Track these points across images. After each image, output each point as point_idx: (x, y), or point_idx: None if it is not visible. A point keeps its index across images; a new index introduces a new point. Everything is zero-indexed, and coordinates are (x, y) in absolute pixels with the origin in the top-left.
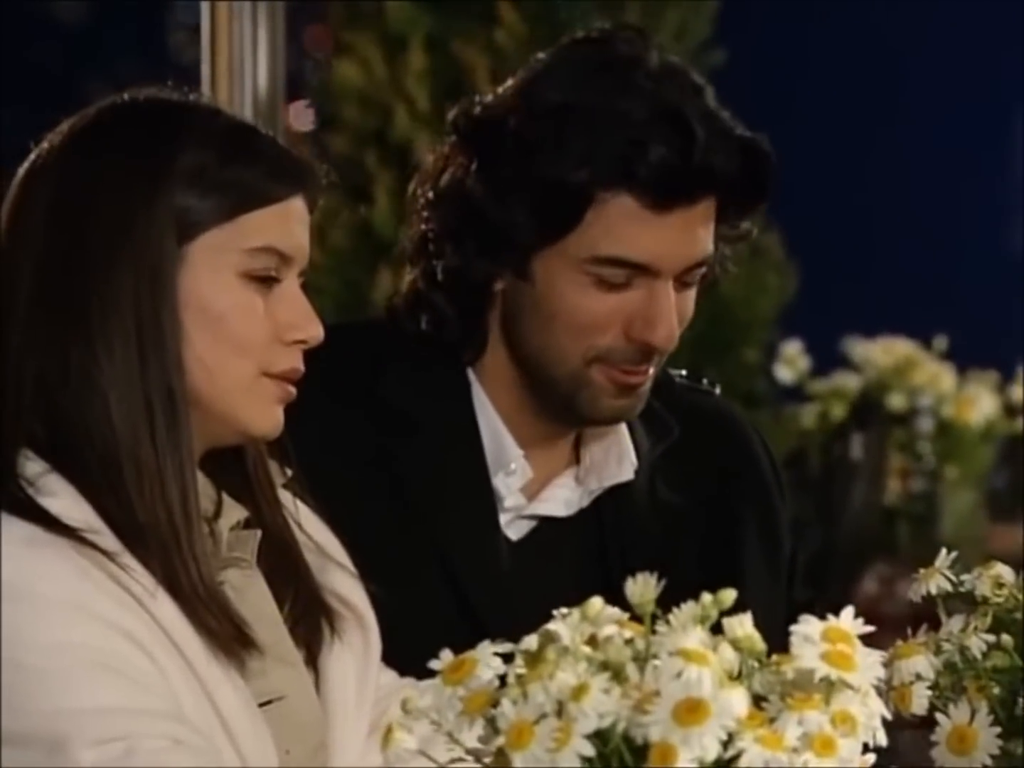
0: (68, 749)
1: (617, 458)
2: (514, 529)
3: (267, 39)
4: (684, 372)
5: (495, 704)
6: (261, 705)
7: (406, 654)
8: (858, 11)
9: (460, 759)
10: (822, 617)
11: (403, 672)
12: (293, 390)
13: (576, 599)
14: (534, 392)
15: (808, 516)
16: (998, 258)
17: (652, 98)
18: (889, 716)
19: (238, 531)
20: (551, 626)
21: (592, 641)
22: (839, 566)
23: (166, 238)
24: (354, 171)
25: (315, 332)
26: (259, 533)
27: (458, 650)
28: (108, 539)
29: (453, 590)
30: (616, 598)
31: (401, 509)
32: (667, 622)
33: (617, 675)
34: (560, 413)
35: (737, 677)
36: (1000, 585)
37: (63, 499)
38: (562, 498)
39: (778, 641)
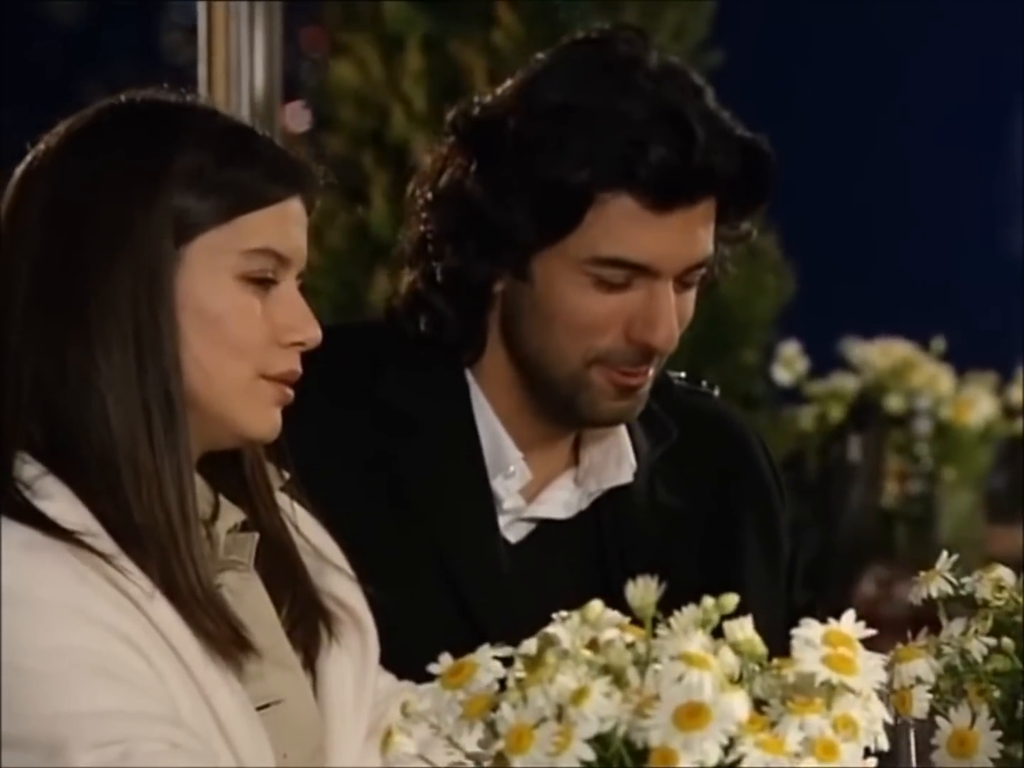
0: (66, 752)
1: (616, 460)
2: (513, 531)
3: (264, 40)
4: (683, 374)
5: (495, 708)
6: (259, 709)
7: (404, 657)
8: (856, 11)
9: (460, 763)
10: (822, 620)
11: (401, 675)
12: (291, 392)
13: (575, 601)
14: (533, 393)
15: (806, 518)
16: (996, 259)
17: (652, 98)
18: (891, 720)
19: (235, 534)
20: (551, 629)
21: (593, 645)
22: (837, 568)
23: (164, 239)
24: (351, 172)
25: (313, 334)
26: (256, 536)
27: (457, 653)
28: (105, 542)
29: (452, 592)
30: (615, 601)
31: (399, 511)
32: (668, 625)
33: (618, 679)
34: (559, 415)
35: (738, 681)
36: (1001, 588)
37: (60, 502)
38: (561, 500)
39: (777, 644)
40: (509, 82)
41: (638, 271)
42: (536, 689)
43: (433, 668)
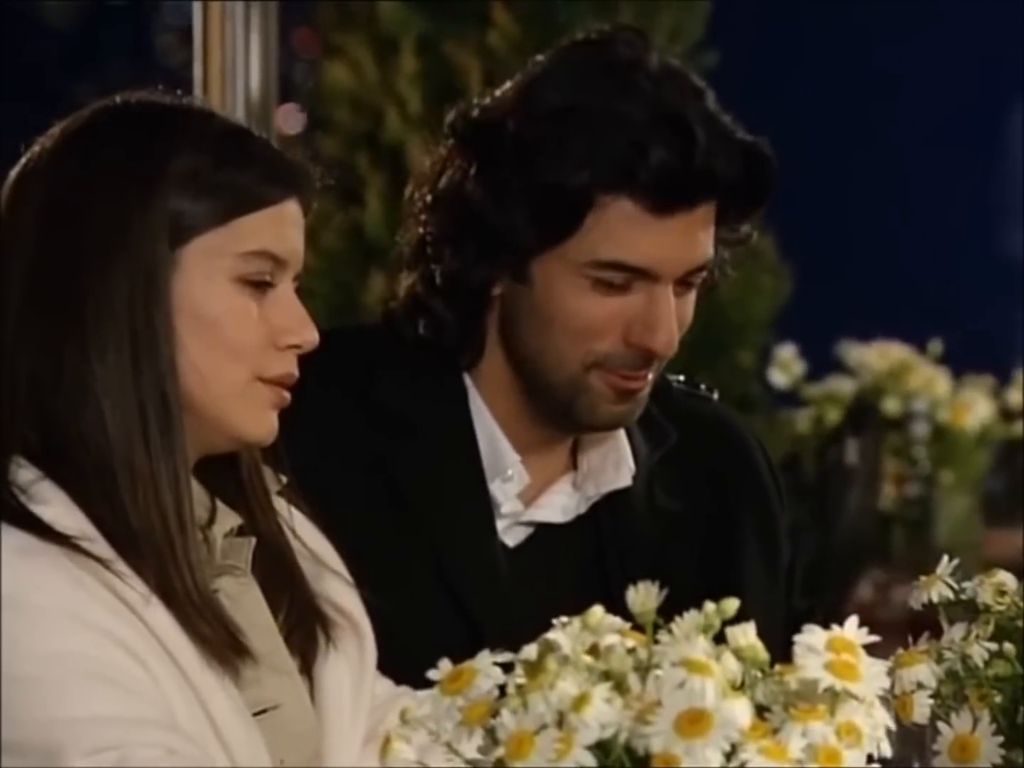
0: (63, 758)
1: (615, 464)
2: (511, 535)
3: (259, 41)
4: (682, 377)
5: (495, 714)
6: (255, 714)
7: (402, 661)
8: (852, 12)
9: None
10: (823, 626)
11: (399, 680)
12: (287, 395)
13: (573, 606)
14: (532, 397)
15: (803, 521)
16: (994, 262)
17: (653, 101)
18: (894, 726)
19: (232, 538)
20: (551, 635)
21: (593, 650)
22: (834, 571)
23: (160, 242)
24: (345, 174)
25: (310, 337)
26: (253, 540)
27: (454, 657)
28: (101, 546)
29: (449, 596)
30: (614, 605)
31: (397, 514)
32: (669, 631)
33: (619, 685)
34: (558, 419)
35: (740, 687)
36: (1002, 593)
37: (56, 506)
38: (559, 504)
39: (776, 648)
40: (508, 84)
41: (638, 274)
42: (537, 695)
43: (432, 674)
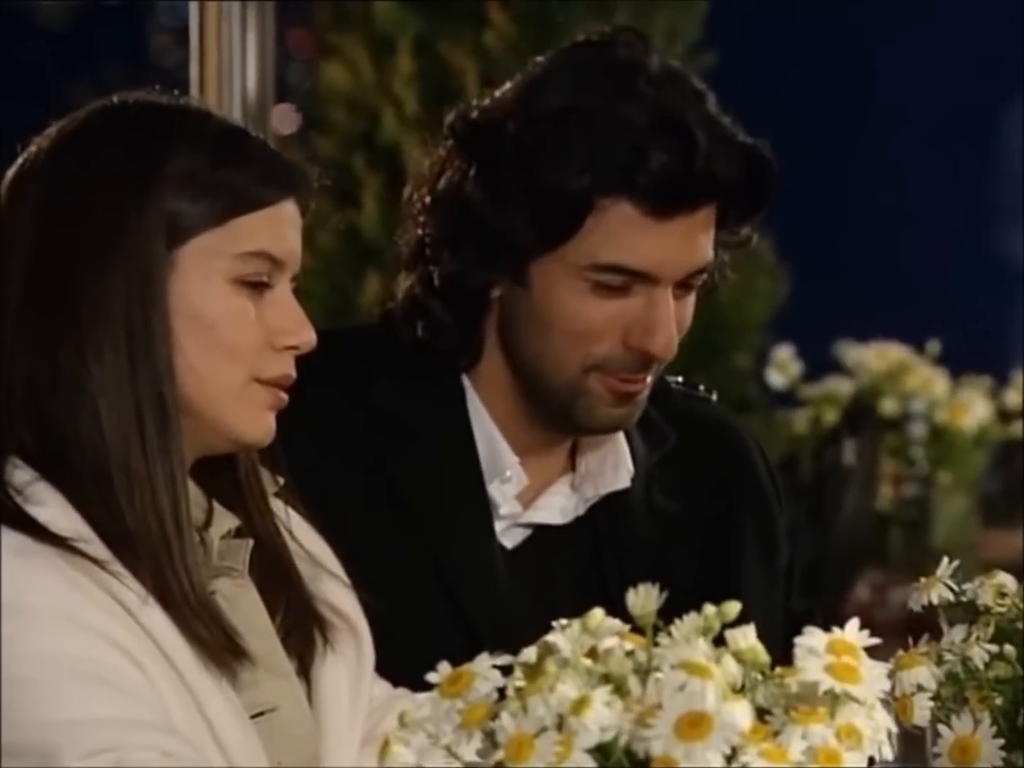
0: (59, 760)
1: (613, 466)
2: (509, 537)
3: (256, 41)
4: (680, 378)
5: (494, 717)
6: (253, 716)
7: (400, 663)
8: (849, 13)
9: None
10: (823, 628)
11: (397, 682)
12: (285, 396)
13: (572, 608)
14: (530, 400)
15: (800, 522)
16: (991, 263)
17: (654, 104)
18: (895, 729)
19: (229, 540)
20: (551, 638)
21: (593, 653)
22: (831, 572)
23: (156, 242)
24: (342, 175)
25: (307, 338)
26: (251, 542)
27: (452, 659)
28: (98, 548)
29: (447, 598)
30: (612, 607)
31: (395, 516)
32: (668, 634)
33: (619, 688)
34: (556, 421)
35: (740, 690)
36: (1003, 594)
37: (52, 508)
38: (558, 506)
39: (775, 650)
40: (508, 85)
41: (637, 277)
42: (536, 698)
43: (431, 677)
